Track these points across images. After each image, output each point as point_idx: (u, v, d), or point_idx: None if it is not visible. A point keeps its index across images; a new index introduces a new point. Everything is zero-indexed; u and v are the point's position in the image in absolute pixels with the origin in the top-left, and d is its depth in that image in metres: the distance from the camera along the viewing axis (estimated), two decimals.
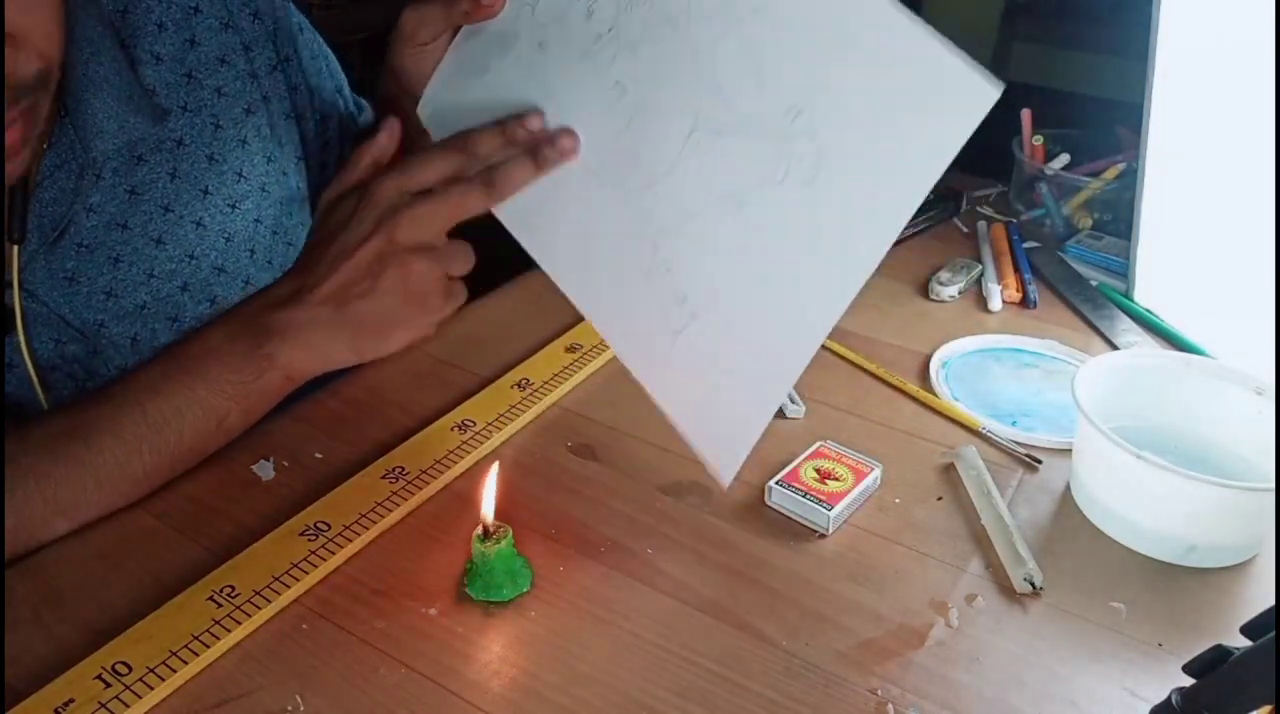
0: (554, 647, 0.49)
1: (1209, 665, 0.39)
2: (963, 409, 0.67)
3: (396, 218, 0.55)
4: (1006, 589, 0.53)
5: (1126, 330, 0.77)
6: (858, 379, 0.71)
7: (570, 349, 0.72)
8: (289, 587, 0.51)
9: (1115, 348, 0.75)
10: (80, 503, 0.55)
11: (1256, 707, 0.38)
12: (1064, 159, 0.95)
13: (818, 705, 0.46)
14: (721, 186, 0.49)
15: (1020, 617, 0.52)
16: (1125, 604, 0.52)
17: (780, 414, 0.67)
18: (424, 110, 0.63)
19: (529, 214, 0.57)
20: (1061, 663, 0.49)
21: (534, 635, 0.50)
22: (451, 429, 0.63)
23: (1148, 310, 0.80)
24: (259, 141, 0.68)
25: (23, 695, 0.45)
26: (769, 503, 0.59)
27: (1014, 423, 0.67)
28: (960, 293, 0.82)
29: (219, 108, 0.65)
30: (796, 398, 0.67)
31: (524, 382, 0.68)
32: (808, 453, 0.61)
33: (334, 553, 0.53)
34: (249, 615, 0.49)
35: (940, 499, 0.60)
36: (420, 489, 0.58)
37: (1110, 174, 0.91)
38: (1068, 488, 0.61)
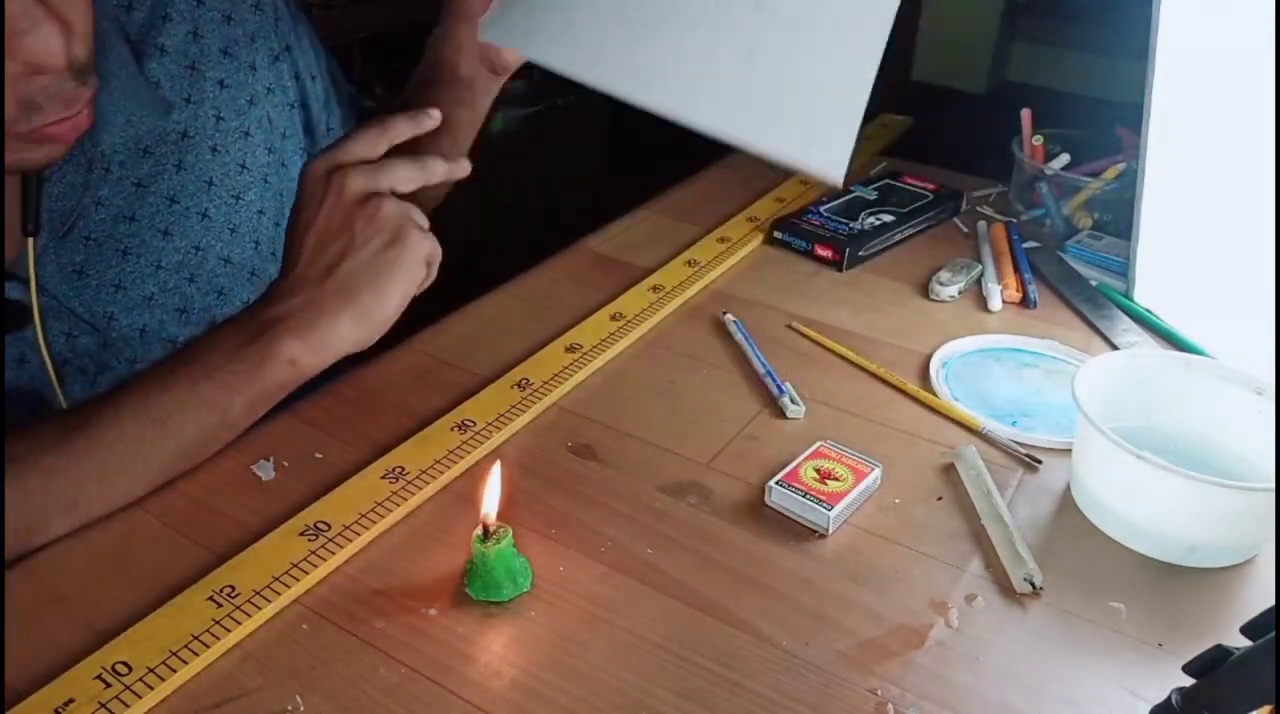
0: (554, 647, 0.49)
1: (1209, 665, 0.39)
2: (963, 409, 0.67)
3: (343, 176, 0.56)
4: (1006, 589, 0.53)
5: (1126, 330, 0.77)
6: (858, 379, 0.71)
7: (570, 349, 0.72)
8: (289, 587, 0.51)
9: (1115, 348, 0.75)
10: (81, 500, 0.55)
11: (1256, 707, 0.38)
12: (1064, 159, 0.95)
13: (818, 705, 0.46)
14: None
15: (1020, 617, 0.52)
16: (1125, 604, 0.52)
17: (780, 414, 0.67)
18: (486, 30, 0.66)
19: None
20: (1061, 663, 0.49)
21: (534, 635, 0.50)
22: (451, 429, 0.63)
23: (1148, 310, 0.80)
24: (260, 133, 0.69)
25: (23, 695, 0.45)
26: (769, 503, 0.59)
27: (1014, 423, 0.67)
28: (960, 293, 0.82)
29: (221, 100, 0.66)
30: (796, 398, 0.67)
31: (524, 381, 0.68)
32: (808, 453, 0.61)
33: (334, 553, 0.53)
34: (249, 615, 0.49)
35: (940, 499, 0.60)
36: (420, 489, 0.58)
37: (1110, 174, 0.91)
38: (1068, 488, 0.61)
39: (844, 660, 0.49)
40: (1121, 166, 0.91)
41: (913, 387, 0.70)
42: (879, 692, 0.47)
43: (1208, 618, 0.52)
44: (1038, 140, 0.96)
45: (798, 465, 0.60)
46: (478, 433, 0.63)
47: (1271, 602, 0.40)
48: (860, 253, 0.85)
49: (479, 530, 0.51)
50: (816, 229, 0.87)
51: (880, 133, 1.14)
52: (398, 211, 0.56)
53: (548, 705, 0.46)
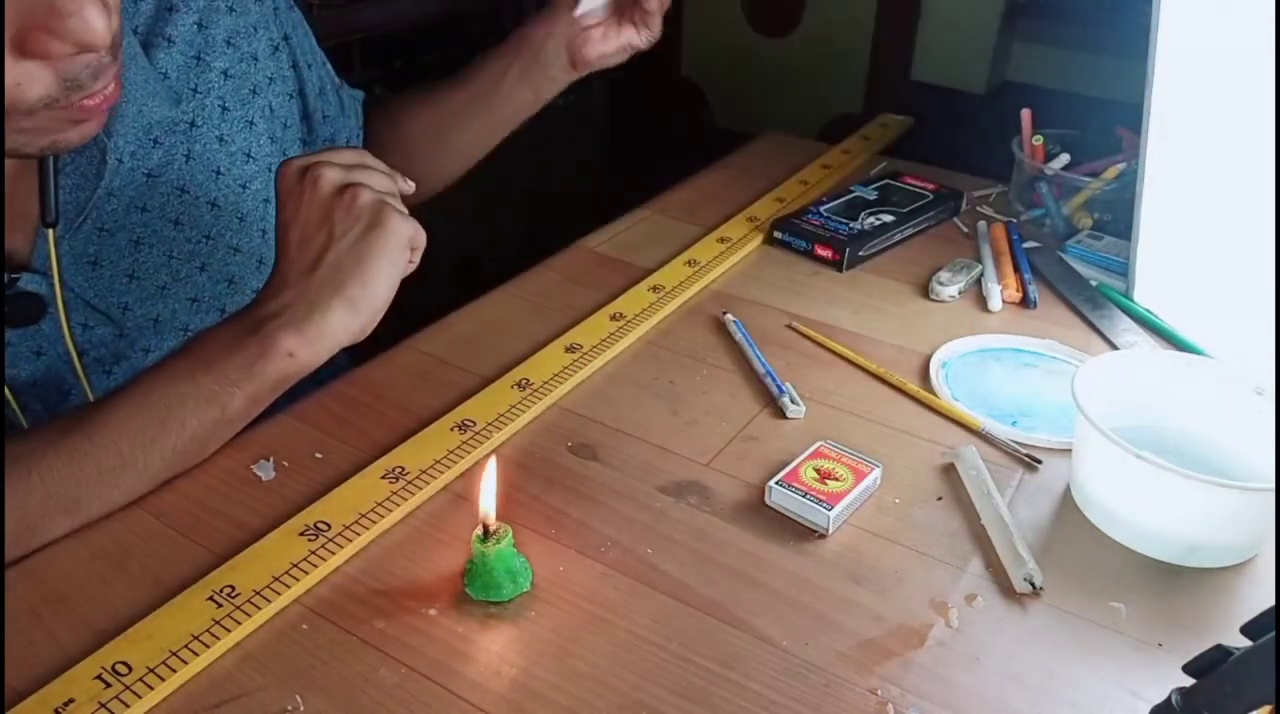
0: (554, 647, 0.49)
1: (1209, 665, 0.39)
2: (963, 409, 0.67)
3: (317, 169, 0.56)
4: (1006, 589, 0.53)
5: (1126, 330, 0.77)
6: (858, 379, 0.71)
7: (570, 349, 0.72)
8: (289, 587, 0.51)
9: (1115, 348, 0.75)
10: (82, 498, 0.54)
11: (1256, 707, 0.38)
12: (1064, 159, 0.95)
13: (818, 705, 0.46)
14: None
15: (1020, 617, 0.52)
16: (1125, 604, 0.52)
17: (780, 414, 0.67)
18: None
19: None
20: (1061, 663, 0.49)
21: (534, 635, 0.50)
22: (451, 429, 0.63)
23: (1148, 310, 0.80)
24: (264, 122, 0.70)
25: (23, 695, 0.45)
26: (769, 503, 0.59)
27: (1014, 423, 0.67)
28: (960, 293, 0.82)
29: (225, 90, 0.68)
30: (796, 398, 0.67)
31: (524, 381, 0.68)
32: (808, 453, 0.61)
33: (334, 553, 0.53)
34: (249, 615, 0.49)
35: (940, 499, 0.60)
36: (420, 489, 0.58)
37: (1110, 174, 0.91)
38: (1068, 488, 0.61)
39: (844, 660, 0.49)
40: (1121, 166, 0.91)
41: (913, 386, 0.70)
42: (879, 692, 0.47)
43: (1208, 618, 0.52)
44: (1038, 140, 0.96)
45: (798, 465, 0.60)
46: (478, 433, 0.63)
47: (1271, 602, 0.40)
48: (860, 253, 0.85)
49: (479, 530, 0.51)
50: (816, 229, 0.87)
51: (880, 133, 1.14)
52: (373, 198, 0.57)
53: (548, 705, 0.46)
